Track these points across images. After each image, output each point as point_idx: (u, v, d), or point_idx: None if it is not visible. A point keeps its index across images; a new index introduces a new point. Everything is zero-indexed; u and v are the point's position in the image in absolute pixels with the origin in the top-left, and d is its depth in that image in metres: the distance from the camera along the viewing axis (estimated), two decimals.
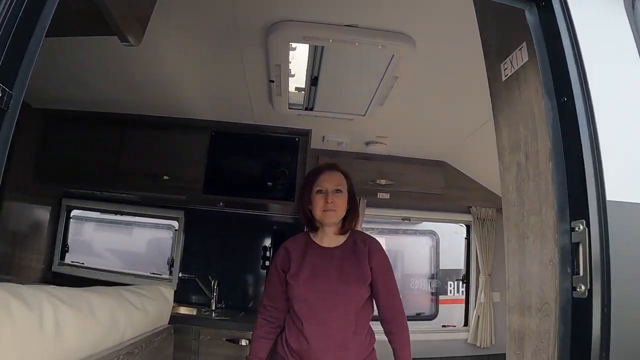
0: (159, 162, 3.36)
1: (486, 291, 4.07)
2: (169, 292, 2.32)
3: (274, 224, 3.79)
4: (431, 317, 4.57)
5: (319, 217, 1.96)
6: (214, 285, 3.57)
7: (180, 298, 3.59)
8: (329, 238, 2.02)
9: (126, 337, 1.76)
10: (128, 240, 4.29)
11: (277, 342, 2.00)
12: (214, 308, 3.53)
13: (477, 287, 4.21)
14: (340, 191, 1.98)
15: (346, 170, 2.12)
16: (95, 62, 2.61)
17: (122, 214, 4.02)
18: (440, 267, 4.74)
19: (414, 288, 4.77)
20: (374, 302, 2.00)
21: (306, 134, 3.39)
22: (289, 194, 3.29)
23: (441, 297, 4.68)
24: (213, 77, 2.76)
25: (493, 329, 4.07)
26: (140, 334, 1.90)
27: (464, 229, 4.46)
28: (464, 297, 4.58)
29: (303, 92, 2.80)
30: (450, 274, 4.81)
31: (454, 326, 4.30)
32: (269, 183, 3.31)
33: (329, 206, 1.93)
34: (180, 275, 3.68)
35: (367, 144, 3.69)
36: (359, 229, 3.69)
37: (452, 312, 4.65)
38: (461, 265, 4.62)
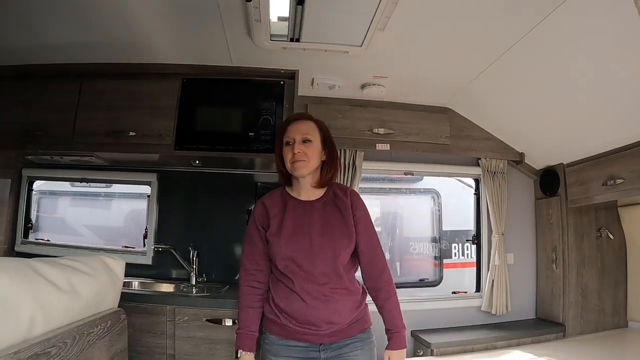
0: (123, 117, 2.79)
1: (500, 252, 3.56)
2: (117, 264, 1.74)
3: (258, 183, 3.19)
4: (436, 283, 4.12)
5: (290, 169, 1.87)
6: (193, 257, 3.04)
7: (158, 274, 3.18)
8: (307, 191, 1.92)
9: (35, 332, 1.17)
10: (102, 213, 3.77)
11: (264, 305, 1.89)
12: (194, 283, 3.02)
13: (489, 248, 3.68)
14: (310, 141, 1.88)
15: (319, 119, 2.00)
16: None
17: (87, 181, 3.44)
18: (444, 229, 4.27)
19: (415, 252, 4.36)
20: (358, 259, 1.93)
21: (292, 76, 2.81)
22: (275, 145, 2.73)
23: (445, 261, 4.25)
24: (180, 7, 2.21)
25: (509, 295, 3.57)
26: (64, 325, 1.30)
27: (470, 186, 3.95)
28: (470, 260, 4.17)
29: (287, 21, 2.25)
30: (454, 235, 4.44)
31: (465, 292, 3.78)
32: (250, 134, 2.75)
33: (297, 157, 1.83)
34: (153, 247, 3.13)
35: (364, 87, 3.13)
36: (356, 187, 3.17)
37: (458, 277, 4.25)
38: (465, 227, 4.16)
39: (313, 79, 2.99)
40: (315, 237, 1.79)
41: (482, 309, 3.58)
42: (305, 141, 1.85)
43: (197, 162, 2.98)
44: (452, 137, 3.48)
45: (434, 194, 4.35)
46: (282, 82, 2.81)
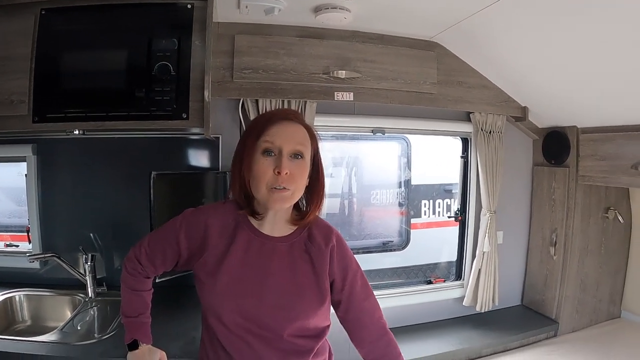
0: None
1: (490, 235, 2.99)
2: None
3: (152, 174, 2.18)
4: (402, 246, 3.65)
5: (263, 197, 1.25)
6: (87, 262, 2.27)
7: (50, 279, 2.42)
8: (273, 223, 1.34)
9: None
10: None
11: None
12: (91, 296, 2.27)
13: (475, 228, 3.11)
14: (301, 156, 1.27)
15: (311, 126, 1.35)
16: None
17: None
18: (412, 183, 3.71)
19: (376, 206, 3.71)
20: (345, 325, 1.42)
21: None
22: (179, 107, 1.91)
23: (414, 221, 3.74)
24: None
25: (497, 286, 3.07)
26: None
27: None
28: (442, 218, 3.73)
29: None
30: (425, 190, 3.83)
31: (443, 281, 3.25)
32: (138, 92, 1.87)
33: (281, 180, 1.22)
34: (28, 257, 2.26)
35: (318, 11, 2.26)
36: None
37: (429, 239, 3.75)
38: (437, 180, 3.76)
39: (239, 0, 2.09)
40: (278, 293, 1.28)
41: (464, 304, 3.10)
42: (295, 156, 1.26)
43: (77, 131, 2.13)
44: (440, 83, 2.72)
45: (403, 140, 3.68)
46: (189, 6, 1.90)
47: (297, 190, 1.26)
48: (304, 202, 1.37)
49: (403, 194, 3.69)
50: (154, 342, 1.44)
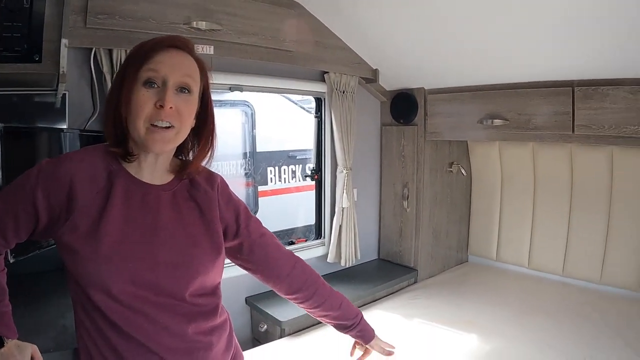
0: None
1: (348, 191, 3.24)
2: None
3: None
4: None
5: (140, 136, 1.09)
6: None
7: None
8: (152, 169, 1.19)
9: None
10: None
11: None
12: None
13: (332, 186, 3.35)
14: (188, 91, 1.13)
15: (201, 58, 1.20)
16: None
17: None
18: (258, 150, 3.97)
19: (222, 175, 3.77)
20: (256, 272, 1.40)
21: None
22: (30, 48, 1.73)
23: (261, 189, 4.02)
24: None
25: (358, 241, 3.34)
26: None
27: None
28: (289, 185, 4.12)
29: None
30: (271, 157, 4.12)
31: (305, 240, 3.45)
32: None
33: (164, 114, 1.07)
34: None
35: None
36: None
37: (278, 207, 4.09)
38: (282, 147, 4.12)
39: None
40: (172, 249, 1.14)
41: (328, 260, 3.30)
42: (182, 89, 1.11)
43: None
44: (299, 42, 2.85)
45: (247, 107, 3.84)
46: None
47: (182, 130, 1.14)
48: (188, 147, 1.26)
49: (249, 162, 3.83)
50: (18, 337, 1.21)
